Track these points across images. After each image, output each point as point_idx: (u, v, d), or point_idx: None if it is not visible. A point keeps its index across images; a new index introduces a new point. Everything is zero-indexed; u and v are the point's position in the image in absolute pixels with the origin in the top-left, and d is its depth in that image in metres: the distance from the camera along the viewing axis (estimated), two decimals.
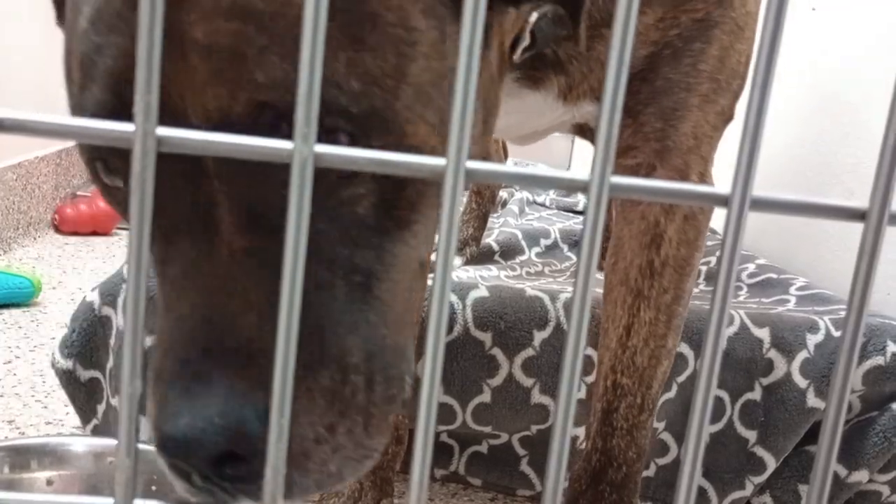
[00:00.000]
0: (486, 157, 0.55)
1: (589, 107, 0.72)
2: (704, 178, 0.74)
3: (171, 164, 0.42)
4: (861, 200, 0.37)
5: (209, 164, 0.43)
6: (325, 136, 0.43)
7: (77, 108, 0.46)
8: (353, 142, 0.43)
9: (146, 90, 0.34)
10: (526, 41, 0.62)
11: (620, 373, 0.77)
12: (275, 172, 0.43)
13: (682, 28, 0.69)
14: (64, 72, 0.49)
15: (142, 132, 0.34)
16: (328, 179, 0.44)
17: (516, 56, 0.62)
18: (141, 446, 0.37)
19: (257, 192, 0.44)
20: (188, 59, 0.42)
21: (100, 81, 0.44)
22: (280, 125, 0.42)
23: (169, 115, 0.42)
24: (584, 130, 0.78)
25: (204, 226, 0.44)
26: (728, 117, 0.74)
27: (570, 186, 0.37)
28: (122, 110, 0.43)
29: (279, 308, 0.45)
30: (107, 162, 0.47)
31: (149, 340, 0.92)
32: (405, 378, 0.49)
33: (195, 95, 0.42)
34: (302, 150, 0.35)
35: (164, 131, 0.35)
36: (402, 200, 0.47)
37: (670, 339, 0.77)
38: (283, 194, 0.42)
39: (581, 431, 0.95)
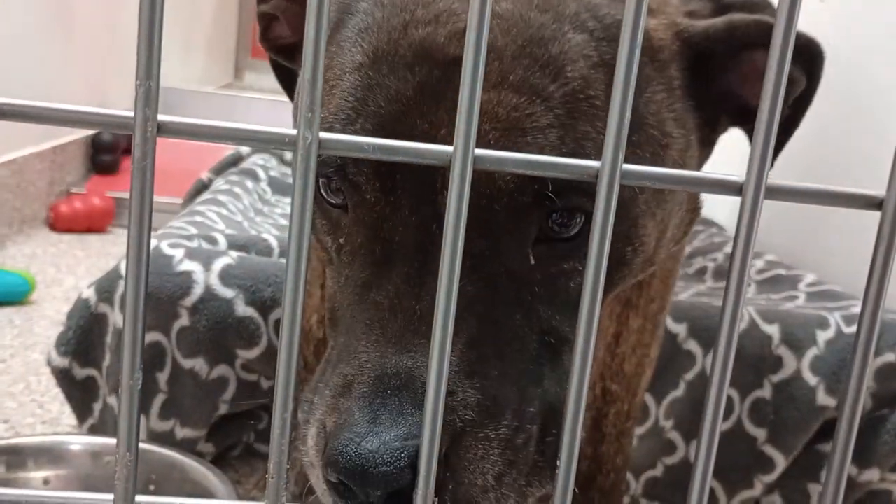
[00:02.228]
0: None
1: None
2: None
3: (409, 182, 0.46)
4: (876, 190, 0.35)
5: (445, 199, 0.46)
6: (567, 214, 0.48)
7: (327, 103, 0.50)
8: (586, 222, 0.47)
9: (146, 76, 0.32)
10: None
11: (610, 379, 0.78)
12: (507, 224, 0.47)
13: None
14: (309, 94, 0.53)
15: (142, 117, 0.33)
16: (553, 248, 0.48)
17: None
18: (140, 445, 0.36)
19: (479, 237, 0.47)
20: (449, 108, 0.46)
21: (371, 119, 0.48)
22: (545, 202, 0.46)
23: (432, 174, 0.46)
24: None
25: (424, 253, 0.47)
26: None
27: (581, 173, 0.35)
28: (368, 94, 0.48)
29: (479, 352, 0.46)
30: (330, 180, 0.50)
31: (146, 337, 0.91)
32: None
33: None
34: (306, 135, 0.34)
35: (164, 117, 0.33)
36: (608, 286, 0.50)
37: (653, 348, 0.80)
38: (510, 246, 0.47)
39: None
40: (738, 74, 0.56)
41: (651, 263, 0.55)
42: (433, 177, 0.46)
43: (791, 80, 0.56)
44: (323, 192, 0.51)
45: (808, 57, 0.57)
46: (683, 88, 0.53)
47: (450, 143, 0.46)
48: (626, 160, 0.46)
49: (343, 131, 0.49)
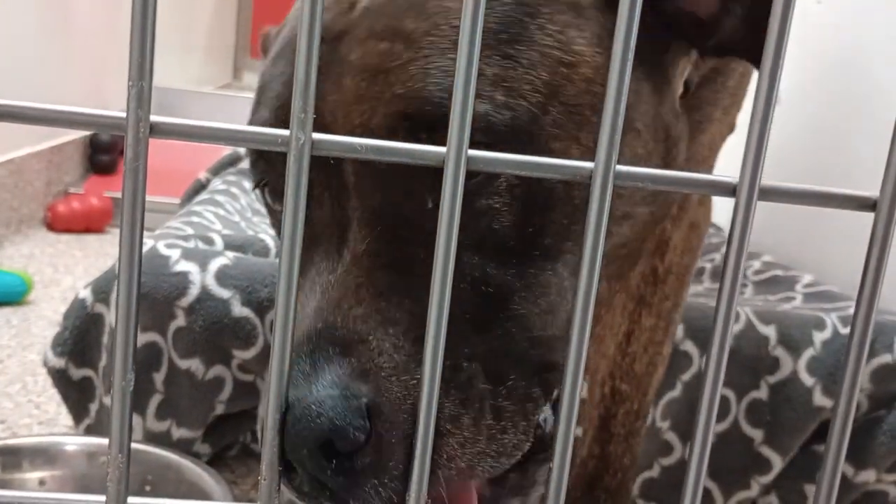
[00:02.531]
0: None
1: None
2: None
3: (315, 179, 0.46)
4: (870, 191, 0.35)
5: (349, 178, 0.47)
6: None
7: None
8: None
9: (139, 76, 0.32)
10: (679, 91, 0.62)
11: (619, 379, 0.77)
12: (408, 184, 0.46)
13: None
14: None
15: (134, 118, 0.33)
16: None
17: None
18: (134, 445, 0.36)
19: (387, 203, 0.46)
20: (342, 82, 0.46)
21: (268, 104, 0.50)
22: (419, 135, 0.44)
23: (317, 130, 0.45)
24: None
25: (338, 236, 0.47)
26: (733, 129, 0.76)
27: (575, 174, 0.35)
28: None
29: (390, 302, 0.45)
30: (276, 187, 0.51)
31: (142, 338, 0.91)
32: (537, 392, 0.48)
33: (344, 113, 0.46)
34: (299, 136, 0.33)
35: (157, 118, 0.33)
36: (548, 227, 0.48)
37: (666, 346, 0.78)
38: (410, 205, 0.46)
39: (578, 431, 0.93)
40: None
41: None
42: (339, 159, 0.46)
43: None
44: (266, 196, 0.52)
45: None
46: (603, 9, 0.50)
47: (333, 114, 0.47)
48: (509, 80, 0.46)
49: (251, 119, 0.50)
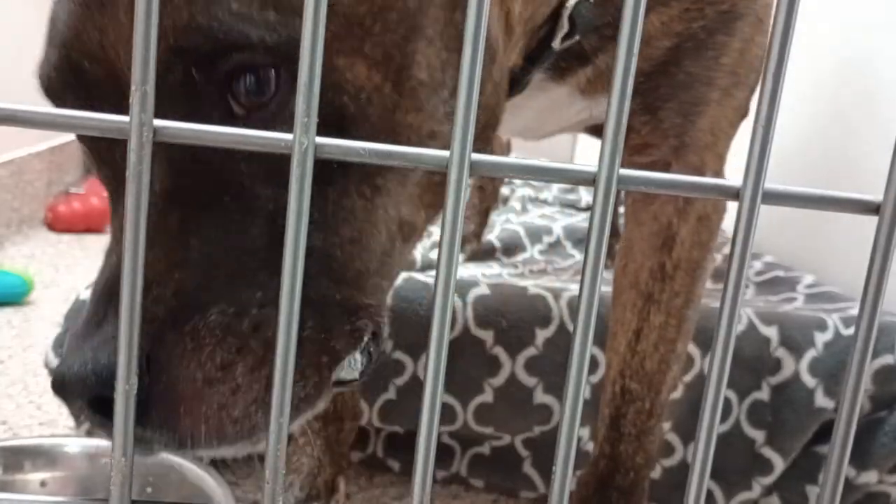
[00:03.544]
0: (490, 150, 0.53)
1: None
2: (719, 176, 0.72)
3: (100, 98, 0.43)
4: (873, 195, 0.35)
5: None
6: (247, 77, 0.42)
7: (38, 71, 0.47)
8: (278, 75, 0.42)
9: (142, 81, 0.32)
10: (565, 29, 0.60)
11: (629, 378, 0.75)
12: (196, 118, 0.41)
13: (707, 20, 0.67)
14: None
15: (138, 122, 0.33)
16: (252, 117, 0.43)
17: (556, 44, 0.60)
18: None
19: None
20: (118, 16, 0.42)
21: (55, 42, 0.45)
22: (191, 69, 0.41)
23: (109, 74, 0.43)
24: (598, 130, 0.76)
25: (119, 191, 0.45)
26: (744, 113, 0.72)
27: (577, 178, 0.35)
28: (69, 72, 0.44)
29: (181, 245, 0.42)
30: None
31: None
32: (359, 331, 0.45)
33: (126, 50, 0.42)
34: (302, 140, 0.33)
35: (160, 122, 0.33)
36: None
37: (680, 343, 0.76)
38: (202, 156, 0.43)
39: (585, 432, 0.93)
40: None
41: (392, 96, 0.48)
42: (118, 83, 0.43)
43: None
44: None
45: None
46: None
47: (116, 51, 0.43)
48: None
49: (40, 65, 0.47)
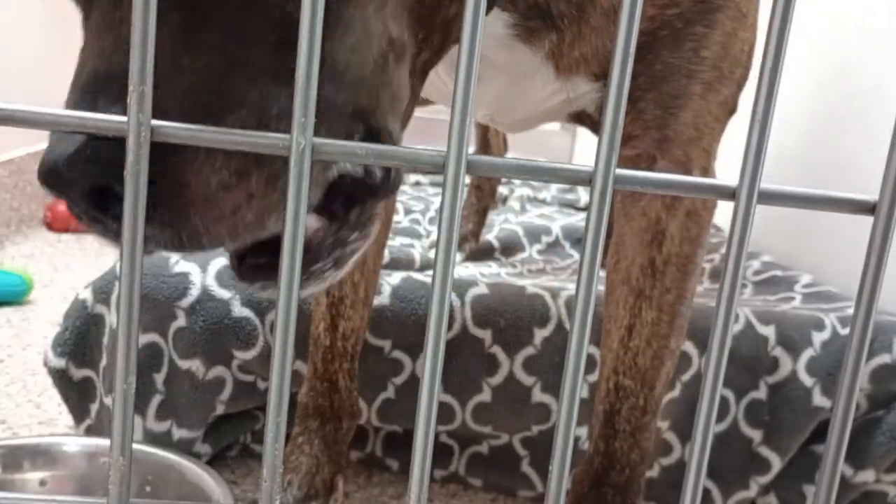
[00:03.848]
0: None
1: (585, 86, 0.69)
2: (707, 172, 0.72)
3: None
4: (868, 195, 0.36)
5: None
6: None
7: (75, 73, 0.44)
8: None
9: (139, 81, 0.32)
10: None
11: (622, 374, 0.75)
12: None
13: (682, 8, 0.66)
14: None
15: (136, 122, 0.33)
16: None
17: None
18: (135, 446, 0.36)
19: None
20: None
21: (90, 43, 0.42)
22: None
23: None
24: (583, 118, 0.75)
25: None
26: (731, 109, 0.72)
27: (574, 178, 0.36)
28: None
29: (182, 45, 0.40)
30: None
31: (142, 338, 0.91)
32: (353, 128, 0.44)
33: None
34: (299, 140, 0.34)
35: (157, 122, 0.34)
36: None
37: (673, 339, 0.76)
38: None
39: (583, 431, 0.93)
40: None
41: None
42: None
43: None
44: None
45: None
46: None
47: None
48: None
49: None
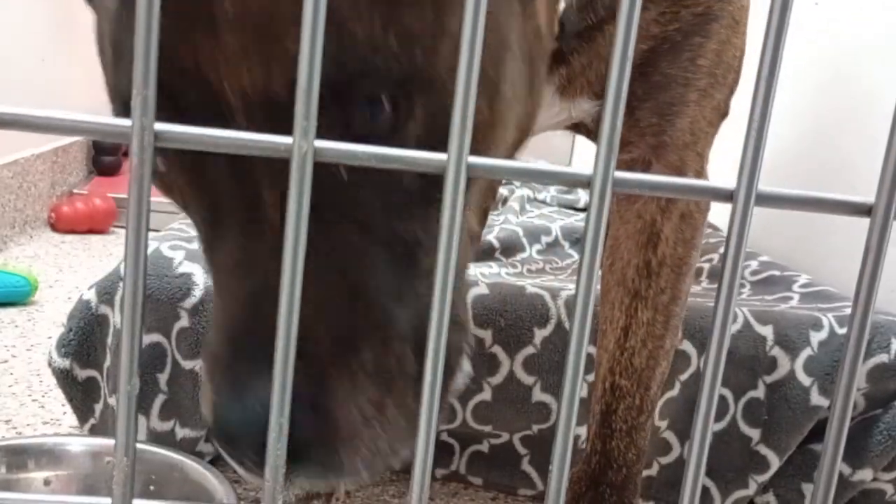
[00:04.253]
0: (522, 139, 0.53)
1: (586, 104, 0.71)
2: (701, 175, 0.74)
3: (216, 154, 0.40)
4: (865, 196, 0.36)
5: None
6: (368, 105, 0.41)
7: (111, 86, 0.45)
8: (395, 107, 0.41)
9: (143, 84, 0.33)
10: (556, 32, 0.61)
11: (619, 374, 0.76)
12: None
13: (682, 22, 0.68)
14: (98, 52, 0.48)
15: (139, 126, 0.33)
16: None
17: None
18: (139, 445, 0.37)
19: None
20: (219, 35, 0.39)
21: (127, 61, 0.41)
22: (333, 98, 0.39)
23: (205, 94, 0.40)
24: (579, 127, 0.77)
25: (250, 212, 0.42)
26: (723, 113, 0.74)
27: (573, 182, 0.36)
28: (159, 93, 0.40)
29: (327, 291, 0.42)
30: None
31: (146, 339, 0.92)
32: (461, 346, 0.47)
33: (230, 73, 0.40)
34: (301, 144, 0.34)
35: (161, 126, 0.34)
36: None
37: (668, 339, 0.77)
38: (331, 183, 0.41)
39: (583, 430, 0.94)
40: None
41: (493, 129, 0.49)
42: (219, 111, 0.41)
43: None
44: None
45: None
46: None
47: (217, 72, 0.40)
48: (399, 24, 0.40)
49: (113, 77, 0.44)
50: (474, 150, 0.43)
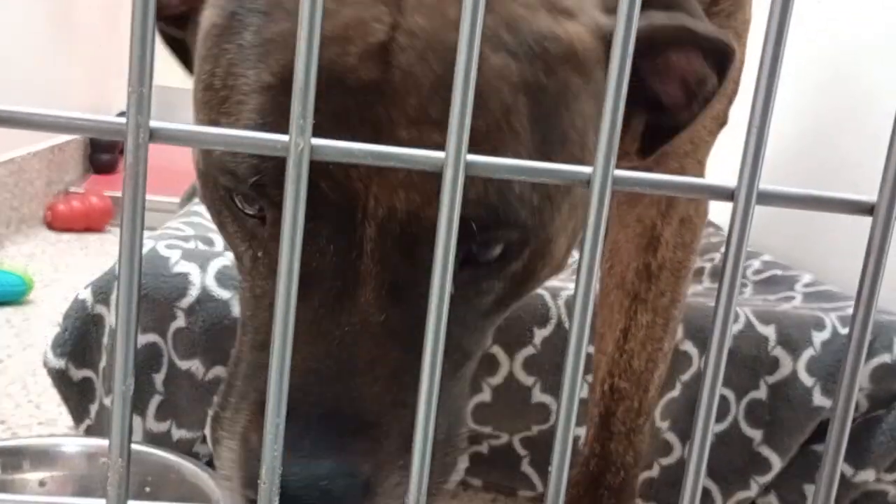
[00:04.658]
0: None
1: None
2: None
3: (327, 212, 0.43)
4: (867, 195, 0.36)
5: (367, 232, 0.44)
6: (484, 246, 0.46)
7: (234, 120, 0.46)
8: (505, 253, 0.46)
9: (139, 82, 0.32)
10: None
11: (618, 376, 0.77)
12: (426, 254, 0.44)
13: None
14: (205, 92, 0.50)
15: (134, 124, 0.33)
16: (476, 271, 0.47)
17: None
18: (134, 446, 0.36)
19: (404, 268, 0.44)
20: (404, 98, 0.42)
21: (259, 94, 0.44)
22: (469, 239, 0.44)
23: (352, 205, 0.43)
24: None
25: (344, 282, 0.44)
26: (722, 122, 0.75)
27: (573, 180, 0.36)
28: (280, 120, 0.44)
29: (402, 383, 0.45)
30: (246, 197, 0.47)
31: (142, 339, 0.91)
32: (461, 443, 0.51)
33: (386, 194, 0.43)
34: (298, 142, 0.34)
35: (156, 124, 0.33)
36: (516, 298, 0.50)
37: (667, 342, 0.78)
38: (427, 276, 0.43)
39: (582, 431, 0.93)
40: (651, 69, 0.54)
41: (558, 271, 0.55)
42: (354, 207, 0.44)
43: (702, 80, 0.54)
44: (237, 201, 0.48)
45: (720, 56, 0.54)
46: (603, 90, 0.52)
47: (366, 187, 0.44)
48: (544, 183, 0.44)
49: (237, 111, 0.46)
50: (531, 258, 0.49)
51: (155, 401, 0.91)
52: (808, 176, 1.40)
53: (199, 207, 1.25)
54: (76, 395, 0.96)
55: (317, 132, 0.40)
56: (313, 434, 0.42)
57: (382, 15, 0.43)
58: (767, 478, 0.95)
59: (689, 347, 0.94)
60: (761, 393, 0.94)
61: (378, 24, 0.43)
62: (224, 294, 0.91)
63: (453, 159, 0.34)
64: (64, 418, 1.06)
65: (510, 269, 0.48)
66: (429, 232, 0.43)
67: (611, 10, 0.52)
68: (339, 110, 0.43)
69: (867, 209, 0.36)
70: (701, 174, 0.75)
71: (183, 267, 0.92)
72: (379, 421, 0.43)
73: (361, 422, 0.43)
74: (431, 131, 0.43)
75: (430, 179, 0.43)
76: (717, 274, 1.23)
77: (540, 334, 0.94)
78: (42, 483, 0.83)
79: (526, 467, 0.99)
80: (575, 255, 1.37)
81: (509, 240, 0.46)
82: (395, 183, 0.43)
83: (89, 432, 0.96)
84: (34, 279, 1.51)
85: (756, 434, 0.94)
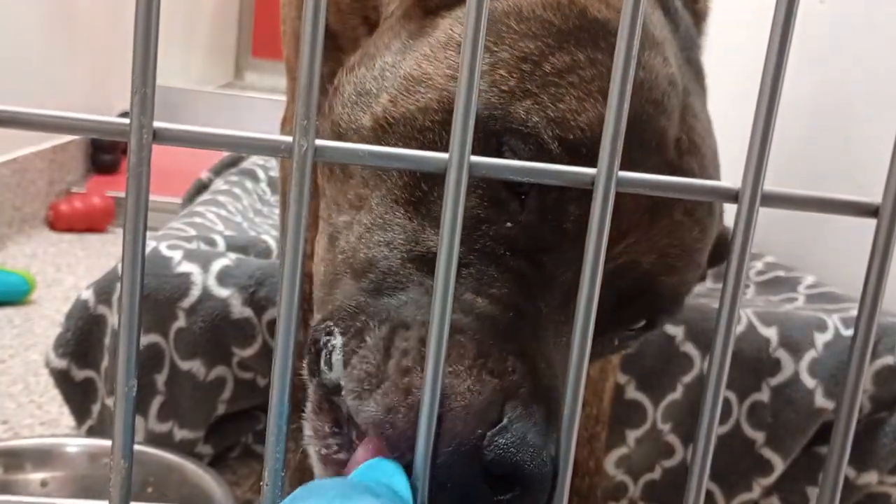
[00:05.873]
0: None
1: None
2: None
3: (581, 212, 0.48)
4: (871, 197, 0.35)
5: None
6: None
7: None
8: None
9: (142, 84, 0.32)
10: None
11: None
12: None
13: None
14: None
15: (137, 124, 0.33)
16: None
17: None
18: (136, 447, 0.36)
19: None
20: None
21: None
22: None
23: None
24: None
25: (568, 295, 0.49)
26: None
27: (577, 181, 0.36)
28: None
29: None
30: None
31: (143, 339, 0.91)
32: None
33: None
34: (301, 143, 0.34)
35: (159, 124, 0.33)
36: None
37: (614, 356, 0.82)
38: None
39: None
40: None
41: None
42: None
43: None
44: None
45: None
46: None
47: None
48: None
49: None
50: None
51: (157, 401, 0.91)
52: (811, 178, 1.40)
53: (201, 208, 1.25)
54: (78, 396, 0.96)
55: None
56: (533, 411, 0.44)
57: None
58: (770, 479, 0.95)
59: (689, 349, 0.94)
60: (763, 395, 0.94)
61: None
62: (224, 293, 0.91)
63: (457, 159, 0.34)
64: (66, 418, 1.06)
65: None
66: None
67: None
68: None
69: (872, 211, 0.36)
70: None
71: (185, 267, 0.92)
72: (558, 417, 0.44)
73: (556, 415, 0.45)
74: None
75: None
76: (719, 275, 1.23)
77: None
78: (44, 483, 0.84)
79: None
80: None
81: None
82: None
83: (91, 433, 0.95)
84: (36, 279, 1.51)
85: (758, 436, 0.94)
